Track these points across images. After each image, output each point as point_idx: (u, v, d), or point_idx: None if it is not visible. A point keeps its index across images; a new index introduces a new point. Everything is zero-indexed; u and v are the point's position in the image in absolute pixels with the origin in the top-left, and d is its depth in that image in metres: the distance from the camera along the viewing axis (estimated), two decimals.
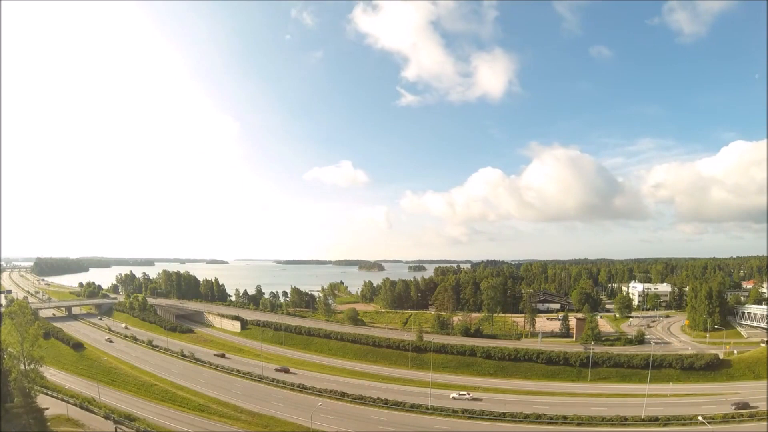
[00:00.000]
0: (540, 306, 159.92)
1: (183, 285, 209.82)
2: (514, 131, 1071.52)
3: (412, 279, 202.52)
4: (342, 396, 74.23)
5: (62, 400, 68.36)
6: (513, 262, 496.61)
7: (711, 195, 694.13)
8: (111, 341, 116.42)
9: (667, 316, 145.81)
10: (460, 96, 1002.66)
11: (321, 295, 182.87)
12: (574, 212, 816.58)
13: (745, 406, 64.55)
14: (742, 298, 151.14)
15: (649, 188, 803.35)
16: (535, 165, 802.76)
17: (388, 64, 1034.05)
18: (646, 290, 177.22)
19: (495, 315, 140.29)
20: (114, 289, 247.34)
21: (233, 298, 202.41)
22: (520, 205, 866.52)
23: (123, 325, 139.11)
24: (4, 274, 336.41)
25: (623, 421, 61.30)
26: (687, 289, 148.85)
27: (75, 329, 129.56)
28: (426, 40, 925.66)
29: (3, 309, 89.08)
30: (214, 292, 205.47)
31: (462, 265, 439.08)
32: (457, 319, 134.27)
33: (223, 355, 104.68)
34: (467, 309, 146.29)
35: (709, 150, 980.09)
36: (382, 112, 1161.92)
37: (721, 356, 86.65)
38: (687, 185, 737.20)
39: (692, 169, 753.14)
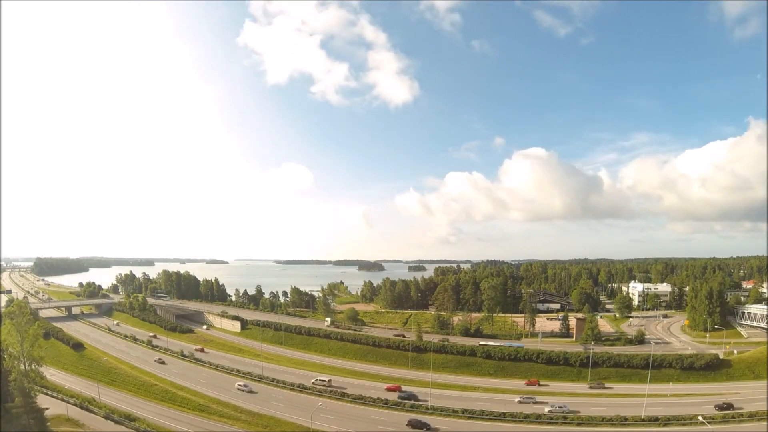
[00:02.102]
0: (540, 306, 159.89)
1: (183, 285, 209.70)
2: (495, 129, 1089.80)
3: (412, 279, 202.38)
4: (342, 396, 74.27)
5: (62, 400, 68.35)
6: (513, 262, 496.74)
7: (703, 193, 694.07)
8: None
9: (665, 316, 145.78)
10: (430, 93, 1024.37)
11: (321, 295, 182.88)
12: (563, 212, 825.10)
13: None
14: (742, 298, 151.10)
15: (640, 187, 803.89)
16: (522, 166, 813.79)
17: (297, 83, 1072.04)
18: (646, 290, 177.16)
19: (495, 315, 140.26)
20: (114, 289, 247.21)
21: (233, 298, 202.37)
22: (513, 206, 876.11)
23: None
24: (4, 274, 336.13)
25: (623, 421, 61.27)
26: (687, 289, 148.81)
27: (75, 329, 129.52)
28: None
29: (3, 309, 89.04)
30: (214, 292, 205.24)
31: (462, 265, 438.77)
32: (457, 319, 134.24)
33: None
34: (467, 309, 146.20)
35: (702, 146, 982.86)
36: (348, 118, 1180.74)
37: (721, 356, 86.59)
38: (678, 183, 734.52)
39: (683, 166, 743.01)
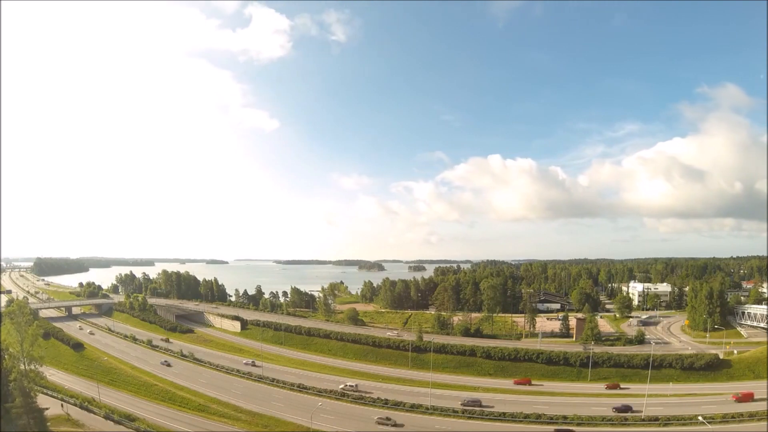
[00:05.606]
0: (540, 306, 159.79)
1: (183, 285, 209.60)
2: (479, 124, 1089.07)
3: (412, 279, 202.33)
4: (342, 396, 74.28)
5: (62, 400, 68.36)
6: (513, 262, 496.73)
7: (685, 190, 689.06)
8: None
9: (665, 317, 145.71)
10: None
11: (321, 295, 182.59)
12: (546, 213, 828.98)
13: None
14: (742, 298, 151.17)
15: (626, 183, 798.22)
16: (509, 165, 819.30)
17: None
18: (645, 290, 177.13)
19: (495, 315, 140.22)
20: (114, 289, 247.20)
21: (233, 298, 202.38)
22: (510, 205, 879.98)
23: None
24: (4, 274, 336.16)
25: (623, 421, 61.31)
26: (687, 289, 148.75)
27: (75, 329, 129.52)
28: None
29: (3, 309, 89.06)
30: (214, 292, 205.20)
31: (462, 265, 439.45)
32: (457, 319, 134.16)
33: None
34: (467, 309, 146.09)
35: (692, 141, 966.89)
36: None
37: (721, 356, 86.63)
38: (658, 180, 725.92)
39: (672, 161, 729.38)
